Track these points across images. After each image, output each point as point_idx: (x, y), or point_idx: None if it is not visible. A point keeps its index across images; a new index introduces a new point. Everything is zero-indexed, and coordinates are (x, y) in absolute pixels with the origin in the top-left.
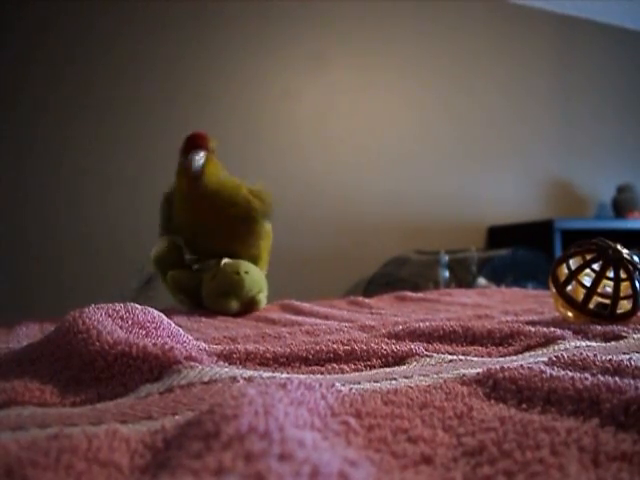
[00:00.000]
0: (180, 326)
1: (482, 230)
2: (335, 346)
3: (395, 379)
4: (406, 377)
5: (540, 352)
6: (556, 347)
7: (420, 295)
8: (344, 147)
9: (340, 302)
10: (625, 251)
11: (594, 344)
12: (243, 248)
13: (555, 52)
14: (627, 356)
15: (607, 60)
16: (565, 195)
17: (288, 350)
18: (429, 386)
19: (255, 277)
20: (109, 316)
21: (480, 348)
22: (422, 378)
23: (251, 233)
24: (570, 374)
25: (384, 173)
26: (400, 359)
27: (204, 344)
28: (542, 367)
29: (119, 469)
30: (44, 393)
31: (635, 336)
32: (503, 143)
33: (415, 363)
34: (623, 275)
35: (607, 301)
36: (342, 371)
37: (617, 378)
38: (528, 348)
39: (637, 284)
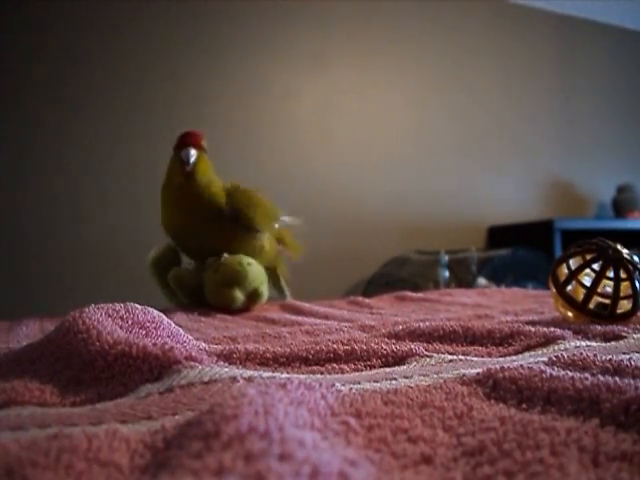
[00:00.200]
0: (180, 326)
1: (482, 230)
2: (335, 346)
3: (395, 379)
4: (406, 377)
5: (540, 352)
6: (556, 347)
7: (420, 295)
8: (344, 147)
9: (340, 302)
10: (625, 251)
11: (594, 344)
12: (231, 247)
13: (555, 52)
14: (627, 356)
15: (607, 60)
16: (565, 195)
17: (288, 350)
18: (429, 386)
19: (256, 269)
20: (109, 316)
21: (480, 348)
22: (422, 378)
23: (223, 233)
24: (570, 374)
25: (384, 173)
26: (400, 359)
27: (204, 344)
28: (542, 367)
29: (119, 469)
30: (44, 393)
31: (635, 336)
32: (503, 143)
33: (415, 363)
34: (623, 275)
35: (607, 301)
36: (342, 371)
37: (617, 378)
38: (528, 348)
39: (637, 284)
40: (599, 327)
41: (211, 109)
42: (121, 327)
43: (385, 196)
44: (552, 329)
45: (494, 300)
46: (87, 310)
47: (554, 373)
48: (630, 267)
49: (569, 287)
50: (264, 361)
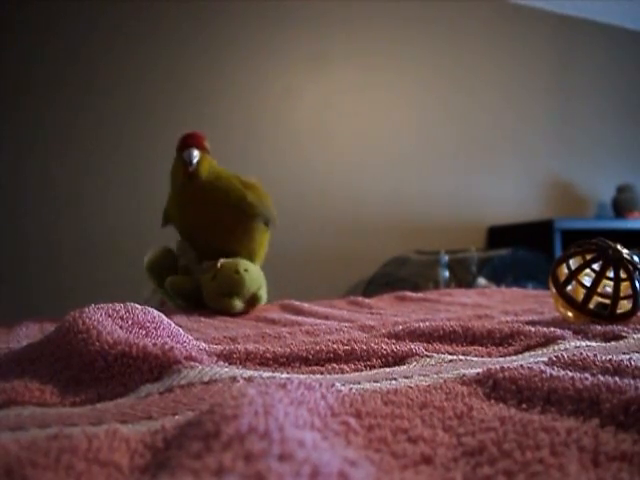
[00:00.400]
0: (180, 326)
1: (482, 230)
2: (335, 346)
3: (395, 379)
4: (406, 377)
5: (540, 352)
6: (556, 347)
7: (420, 295)
8: (344, 147)
9: (340, 302)
10: (625, 251)
11: (594, 344)
12: (240, 243)
13: (555, 52)
14: (627, 356)
15: (607, 60)
16: (565, 195)
17: (288, 350)
18: (429, 386)
19: (254, 274)
20: (109, 316)
21: (480, 348)
22: (422, 378)
23: (247, 227)
24: (570, 374)
25: (384, 173)
26: (400, 359)
27: (204, 344)
28: (542, 367)
29: (119, 469)
30: (44, 393)
31: (635, 336)
32: (503, 143)
33: (415, 363)
34: (623, 275)
35: (607, 301)
36: (342, 371)
37: (617, 378)
38: (528, 348)
39: (637, 284)
40: (599, 327)
41: (211, 109)
42: (121, 327)
43: (385, 196)
44: (552, 329)
45: (494, 300)
46: (87, 310)
47: (554, 373)
48: (630, 267)
49: (569, 287)
50: (264, 361)
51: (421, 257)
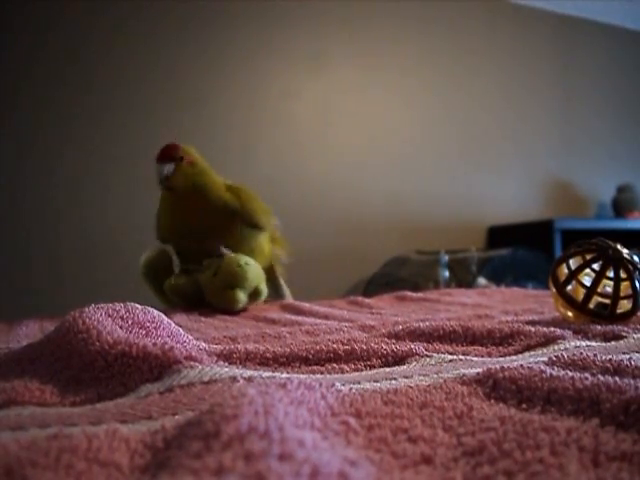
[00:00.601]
0: (180, 326)
1: (482, 230)
2: (335, 346)
3: (395, 379)
4: (406, 377)
5: (540, 352)
6: (556, 347)
7: (420, 295)
8: (344, 147)
9: (340, 302)
10: (625, 251)
11: (594, 344)
12: (229, 245)
13: (555, 52)
14: (627, 356)
15: (607, 60)
16: (565, 195)
17: (288, 350)
18: (429, 386)
19: (255, 268)
20: (109, 316)
21: (480, 348)
22: (422, 378)
23: (231, 230)
24: (570, 374)
25: (384, 173)
26: (400, 359)
27: (204, 344)
28: (542, 367)
29: (119, 469)
30: (44, 393)
31: (635, 336)
32: (503, 143)
33: (415, 363)
34: (623, 275)
35: (607, 301)
36: (342, 371)
37: (617, 378)
38: (528, 348)
39: (637, 284)
40: (599, 327)
41: (211, 109)
42: (121, 327)
43: (385, 196)
44: (552, 329)
45: (494, 300)
46: (87, 310)
47: (554, 373)
48: (630, 267)
49: (569, 287)
50: (264, 361)
51: (421, 257)
